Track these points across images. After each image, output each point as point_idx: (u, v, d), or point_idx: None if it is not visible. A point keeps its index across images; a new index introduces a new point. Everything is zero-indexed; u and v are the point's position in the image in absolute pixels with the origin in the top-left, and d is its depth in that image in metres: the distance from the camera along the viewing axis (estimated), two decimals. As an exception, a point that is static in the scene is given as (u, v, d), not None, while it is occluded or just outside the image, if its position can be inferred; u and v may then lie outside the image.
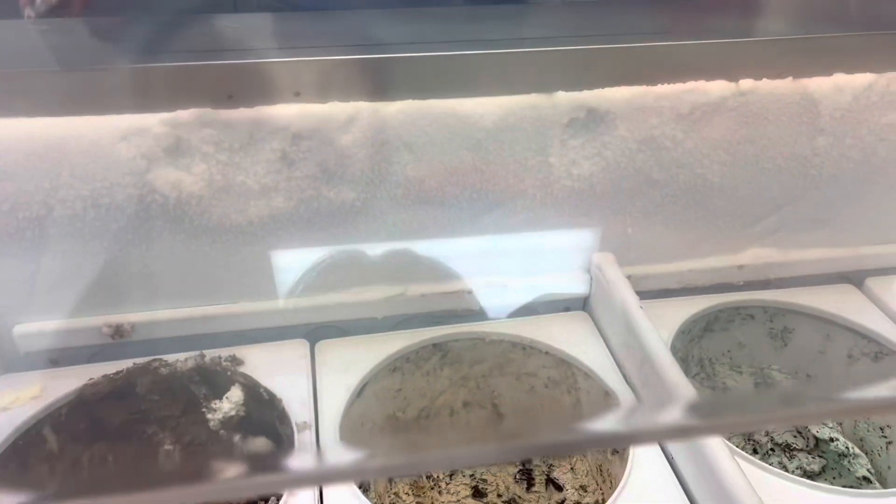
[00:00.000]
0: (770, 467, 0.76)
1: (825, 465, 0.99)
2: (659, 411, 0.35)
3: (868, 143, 0.91)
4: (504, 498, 1.01)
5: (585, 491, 0.94)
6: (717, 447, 0.69)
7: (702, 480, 0.71)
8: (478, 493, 1.02)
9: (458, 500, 1.01)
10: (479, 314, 0.97)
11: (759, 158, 0.90)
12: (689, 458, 0.73)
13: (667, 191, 0.90)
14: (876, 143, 0.91)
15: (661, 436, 0.35)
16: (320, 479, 0.31)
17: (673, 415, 0.34)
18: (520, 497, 1.01)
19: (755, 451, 1.02)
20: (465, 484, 1.02)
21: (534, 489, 1.01)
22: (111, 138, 0.74)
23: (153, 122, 0.75)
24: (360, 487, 0.90)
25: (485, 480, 1.03)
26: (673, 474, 0.75)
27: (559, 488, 0.99)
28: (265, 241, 0.84)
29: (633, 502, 0.72)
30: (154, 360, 0.87)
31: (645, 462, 0.77)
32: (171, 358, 0.87)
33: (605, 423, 0.34)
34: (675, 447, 0.76)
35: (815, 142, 0.90)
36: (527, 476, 1.01)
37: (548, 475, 1.00)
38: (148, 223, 0.80)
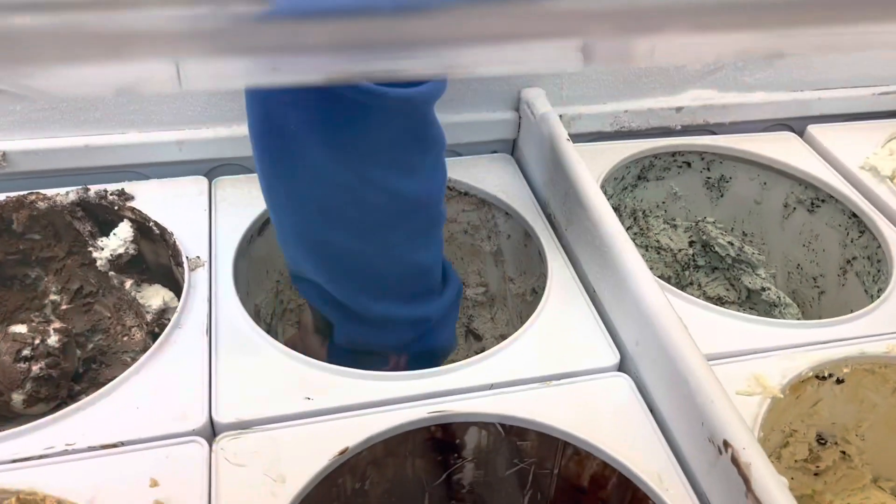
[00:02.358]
0: (688, 295, 0.72)
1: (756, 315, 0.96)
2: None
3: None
4: (424, 352, 0.96)
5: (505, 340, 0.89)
6: (642, 273, 0.64)
7: (622, 301, 0.67)
8: (398, 348, 0.97)
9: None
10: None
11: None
12: (613, 288, 0.69)
13: None
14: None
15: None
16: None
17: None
18: (440, 350, 0.96)
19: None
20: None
21: (455, 341, 0.97)
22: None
23: None
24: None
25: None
26: (589, 302, 0.70)
27: (479, 338, 0.94)
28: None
29: (548, 324, 0.68)
30: (31, 193, 0.77)
31: (561, 292, 0.72)
32: (50, 192, 0.78)
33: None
34: (597, 279, 0.71)
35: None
36: (448, 329, 0.97)
37: (467, 326, 0.96)
38: (8, 27, 0.69)
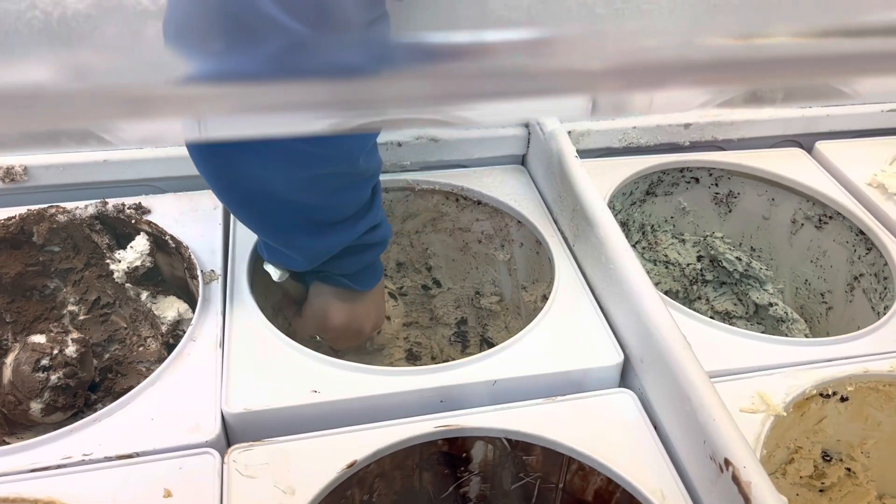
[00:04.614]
0: (693, 312, 0.73)
1: (763, 331, 0.96)
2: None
3: (827, -14, 0.84)
4: (438, 360, 0.98)
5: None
6: (648, 291, 0.65)
7: (627, 318, 0.68)
8: (412, 356, 0.99)
9: (392, 363, 0.98)
10: (410, 168, 0.91)
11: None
12: (619, 304, 0.70)
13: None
14: (835, -12, 0.85)
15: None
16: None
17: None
18: (453, 359, 0.98)
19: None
20: (398, 347, 0.99)
21: (468, 350, 0.98)
22: (-23, -61, 0.65)
23: (26, -79, 0.65)
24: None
25: (419, 343, 0.99)
26: (598, 310, 0.72)
27: (492, 347, 0.95)
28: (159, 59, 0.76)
29: (554, 328, 0.69)
30: (50, 206, 0.80)
31: (567, 298, 0.73)
32: (69, 205, 0.80)
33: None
34: (604, 295, 0.72)
35: (770, -18, 0.83)
36: (461, 338, 0.98)
37: (482, 335, 0.97)
38: (30, 45, 0.71)
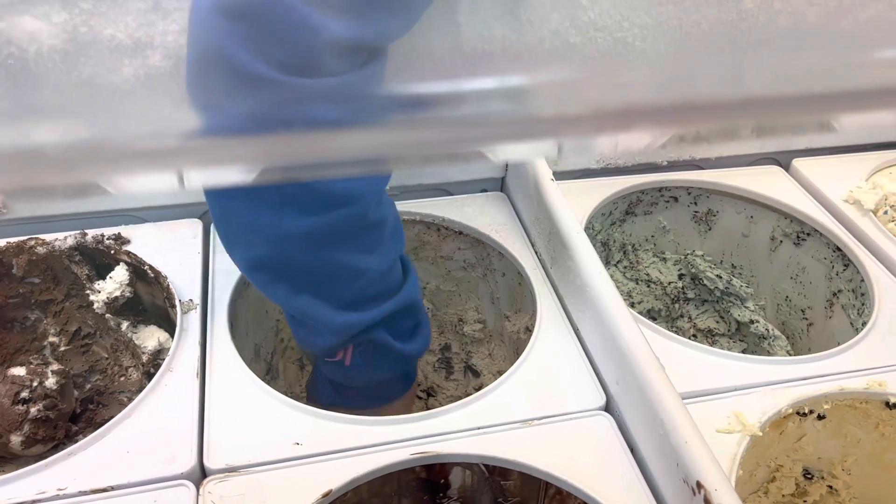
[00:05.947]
0: (671, 333, 0.73)
1: (746, 348, 0.97)
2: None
3: (797, 6, 0.86)
4: (422, 387, 0.98)
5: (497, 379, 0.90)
6: (621, 313, 0.66)
7: (602, 340, 0.68)
8: (394, 383, 0.98)
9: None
10: (389, 193, 0.91)
11: (682, 22, 0.84)
12: (594, 327, 0.70)
13: (585, 54, 0.84)
14: (805, 8, 0.86)
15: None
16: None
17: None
18: (438, 385, 0.98)
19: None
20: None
21: (452, 377, 0.98)
22: (-49, -23, 0.66)
23: (-1, -42, 0.66)
24: (267, 374, 0.86)
25: (401, 371, 0.99)
26: (577, 341, 0.72)
27: (477, 374, 0.96)
28: (145, 106, 0.77)
29: (535, 366, 0.69)
30: (30, 238, 0.80)
31: (550, 332, 0.73)
32: (49, 237, 0.80)
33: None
34: (580, 318, 0.73)
35: (741, 4, 0.84)
36: (445, 364, 0.98)
37: (466, 362, 0.97)
38: (7, 81, 0.72)
